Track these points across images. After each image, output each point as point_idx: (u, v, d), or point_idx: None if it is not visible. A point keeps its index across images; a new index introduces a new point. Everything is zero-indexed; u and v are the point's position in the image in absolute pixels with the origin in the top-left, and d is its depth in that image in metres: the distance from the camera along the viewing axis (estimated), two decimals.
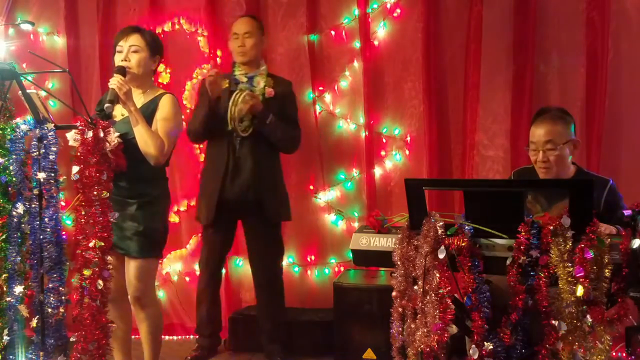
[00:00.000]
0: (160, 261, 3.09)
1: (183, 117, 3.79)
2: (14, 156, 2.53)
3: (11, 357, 2.50)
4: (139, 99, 2.85)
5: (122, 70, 2.76)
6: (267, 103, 3.42)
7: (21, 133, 2.54)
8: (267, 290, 3.61)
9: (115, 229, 2.69)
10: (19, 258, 2.50)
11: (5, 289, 2.51)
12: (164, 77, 4.11)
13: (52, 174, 2.51)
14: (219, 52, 4.07)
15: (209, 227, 3.55)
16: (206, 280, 3.64)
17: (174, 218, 4.07)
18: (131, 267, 2.84)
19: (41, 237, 2.47)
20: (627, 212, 2.00)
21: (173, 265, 4.14)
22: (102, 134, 2.48)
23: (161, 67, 4.05)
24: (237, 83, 3.49)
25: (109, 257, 2.49)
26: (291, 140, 3.57)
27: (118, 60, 2.83)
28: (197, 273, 3.79)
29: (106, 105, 2.62)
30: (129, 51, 2.82)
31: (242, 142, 3.42)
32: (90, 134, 2.46)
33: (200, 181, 3.65)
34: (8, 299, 2.49)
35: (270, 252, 3.60)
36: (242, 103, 3.31)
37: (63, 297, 2.52)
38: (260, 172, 3.46)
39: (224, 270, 4.02)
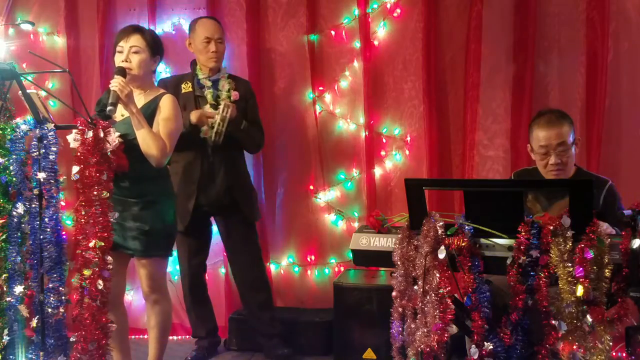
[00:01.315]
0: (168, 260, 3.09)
1: None
2: (14, 156, 2.53)
3: (11, 357, 2.50)
4: (139, 99, 2.85)
5: (123, 72, 2.76)
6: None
7: (21, 133, 2.54)
8: (256, 289, 3.62)
9: (118, 229, 2.70)
10: (19, 258, 2.50)
11: (5, 289, 2.51)
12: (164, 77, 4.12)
13: (52, 174, 2.51)
14: None
15: (185, 233, 3.51)
16: (190, 285, 3.65)
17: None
18: (140, 267, 2.86)
19: (41, 237, 2.48)
20: (627, 212, 1.99)
21: (173, 265, 4.13)
22: (102, 134, 2.48)
23: (161, 67, 4.06)
24: (202, 87, 3.46)
25: (109, 257, 2.49)
26: (258, 142, 3.61)
27: (118, 60, 2.82)
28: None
29: (108, 108, 2.61)
30: (129, 52, 2.82)
31: (214, 148, 3.40)
32: (90, 134, 2.46)
33: None
34: (8, 299, 2.50)
35: (253, 251, 3.62)
36: (228, 117, 3.30)
37: (63, 297, 2.52)
38: (234, 175, 3.48)
39: (223, 270, 4.03)
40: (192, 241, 3.59)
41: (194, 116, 3.32)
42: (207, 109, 3.40)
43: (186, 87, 3.46)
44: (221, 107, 3.31)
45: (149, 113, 2.81)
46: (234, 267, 3.67)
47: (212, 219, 3.67)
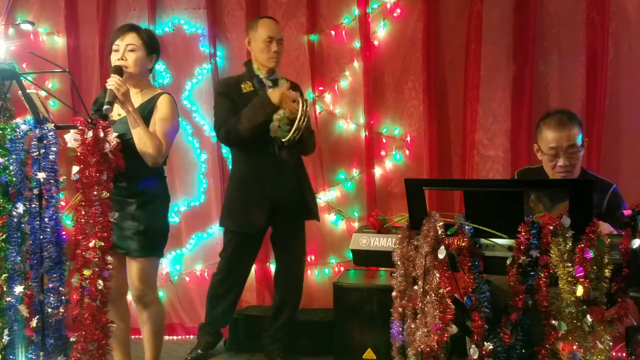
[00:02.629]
0: (160, 260, 3.08)
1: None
2: (14, 156, 2.52)
3: (11, 357, 2.49)
4: (136, 98, 2.84)
5: (119, 70, 2.74)
6: None
7: (21, 133, 2.53)
8: (293, 290, 3.61)
9: (115, 228, 2.69)
10: (19, 258, 2.50)
11: (5, 289, 2.50)
12: (164, 77, 4.12)
13: (52, 174, 2.50)
14: (219, 52, 4.07)
15: (253, 235, 3.47)
16: (231, 285, 3.58)
17: (174, 218, 4.07)
18: (133, 266, 2.84)
19: (41, 237, 2.47)
20: (627, 212, 1.99)
21: (173, 265, 4.14)
22: (102, 134, 2.47)
23: (161, 67, 4.07)
24: (263, 85, 3.42)
25: (108, 257, 2.48)
26: (314, 143, 3.57)
27: (114, 59, 2.82)
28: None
29: (105, 107, 2.61)
30: (125, 50, 2.81)
31: (280, 147, 3.36)
32: (90, 134, 2.46)
33: (234, 187, 3.50)
34: (8, 299, 2.49)
35: (303, 251, 3.63)
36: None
37: (63, 297, 2.52)
38: (301, 175, 3.49)
39: None
40: (255, 243, 3.55)
41: (275, 94, 3.25)
42: (285, 87, 3.31)
43: (246, 87, 3.41)
44: (301, 102, 3.27)
45: (146, 112, 2.80)
46: (283, 266, 3.62)
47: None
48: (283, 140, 3.30)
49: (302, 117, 3.23)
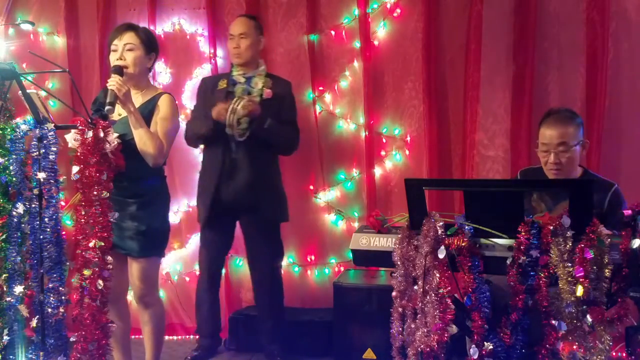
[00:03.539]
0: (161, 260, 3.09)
1: (183, 117, 3.82)
2: (14, 156, 2.52)
3: (11, 357, 2.49)
4: (137, 98, 2.84)
5: (120, 70, 2.74)
6: (265, 104, 3.40)
7: (21, 133, 2.53)
8: (266, 290, 3.61)
9: (115, 229, 2.69)
10: (19, 258, 2.50)
11: (5, 289, 2.50)
12: (164, 77, 4.11)
13: (52, 174, 2.50)
14: (219, 52, 4.07)
15: (207, 228, 3.57)
16: (206, 282, 3.64)
17: (173, 218, 4.07)
18: (134, 267, 2.85)
19: (41, 237, 2.47)
20: (627, 212, 1.99)
21: (173, 265, 4.14)
22: (102, 134, 2.47)
23: (161, 67, 4.06)
24: (235, 84, 3.47)
25: (108, 257, 2.48)
26: (288, 143, 3.57)
27: (113, 59, 2.81)
28: (197, 273, 3.79)
29: (107, 107, 2.60)
30: (124, 49, 2.80)
31: (238, 144, 3.41)
32: (90, 134, 2.46)
33: (198, 182, 3.66)
34: (8, 299, 2.49)
35: (269, 252, 3.60)
36: (241, 109, 3.28)
37: (63, 297, 2.51)
38: (256, 174, 3.45)
39: (223, 270, 4.03)
40: (214, 238, 3.59)
41: (214, 111, 3.33)
42: (259, 85, 3.46)
43: (222, 84, 3.49)
44: (234, 99, 3.31)
45: (147, 112, 2.80)
46: (252, 266, 3.65)
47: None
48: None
49: (232, 114, 3.28)
